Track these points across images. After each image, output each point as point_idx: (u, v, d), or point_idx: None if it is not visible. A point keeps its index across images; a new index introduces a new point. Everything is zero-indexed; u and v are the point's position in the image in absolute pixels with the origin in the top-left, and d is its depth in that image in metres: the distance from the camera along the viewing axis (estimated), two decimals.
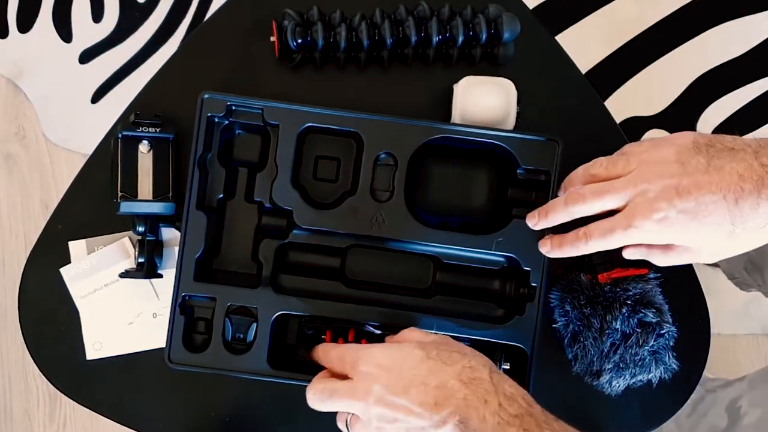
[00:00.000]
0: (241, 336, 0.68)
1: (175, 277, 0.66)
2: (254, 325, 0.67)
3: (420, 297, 0.71)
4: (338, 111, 0.67)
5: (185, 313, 0.67)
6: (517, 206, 0.69)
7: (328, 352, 0.59)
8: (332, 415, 0.75)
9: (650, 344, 0.65)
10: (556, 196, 0.64)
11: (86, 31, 1.42)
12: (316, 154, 0.71)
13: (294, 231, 0.69)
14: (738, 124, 1.40)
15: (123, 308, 0.73)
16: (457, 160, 0.72)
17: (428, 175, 0.72)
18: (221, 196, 0.70)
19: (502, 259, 0.69)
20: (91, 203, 0.74)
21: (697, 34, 1.40)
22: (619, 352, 0.65)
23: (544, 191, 0.67)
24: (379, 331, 0.68)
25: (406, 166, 0.67)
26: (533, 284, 0.66)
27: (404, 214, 0.67)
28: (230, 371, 0.66)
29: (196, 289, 0.67)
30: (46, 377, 0.73)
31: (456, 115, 0.71)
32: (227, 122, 0.69)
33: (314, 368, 0.69)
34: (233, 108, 0.68)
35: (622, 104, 1.39)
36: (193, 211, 0.67)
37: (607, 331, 0.64)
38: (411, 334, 0.59)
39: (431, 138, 0.67)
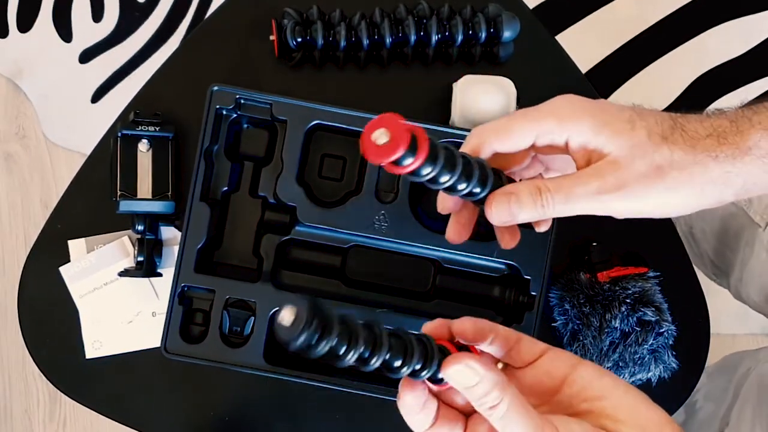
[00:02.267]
0: (238, 329, 0.68)
1: (176, 267, 0.67)
2: (252, 319, 0.67)
3: (419, 300, 0.71)
4: (347, 110, 0.67)
5: (183, 304, 0.67)
6: None
7: None
8: (331, 414, 0.75)
9: (649, 343, 0.65)
10: None
11: (86, 30, 1.42)
12: (322, 153, 0.71)
13: (296, 227, 0.69)
14: None
15: (122, 307, 0.73)
16: None
17: None
18: (226, 188, 0.70)
19: (502, 266, 0.69)
20: (90, 202, 0.74)
21: (697, 34, 1.40)
22: (618, 350, 0.65)
23: None
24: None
25: None
26: (533, 293, 0.66)
27: (407, 216, 0.67)
28: (226, 364, 0.66)
29: (195, 281, 0.67)
30: (45, 376, 0.73)
31: (455, 115, 0.71)
32: (235, 115, 0.69)
33: (310, 366, 0.69)
34: (242, 101, 0.68)
35: (621, 104, 1.39)
36: (196, 202, 0.67)
37: (606, 330, 0.64)
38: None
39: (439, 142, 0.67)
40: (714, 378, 0.86)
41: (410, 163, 0.39)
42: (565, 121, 0.43)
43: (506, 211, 0.43)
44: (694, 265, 0.75)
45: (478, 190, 0.43)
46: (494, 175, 0.44)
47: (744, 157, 0.41)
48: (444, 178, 0.41)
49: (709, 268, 0.94)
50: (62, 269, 0.73)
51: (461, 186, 0.42)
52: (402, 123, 0.38)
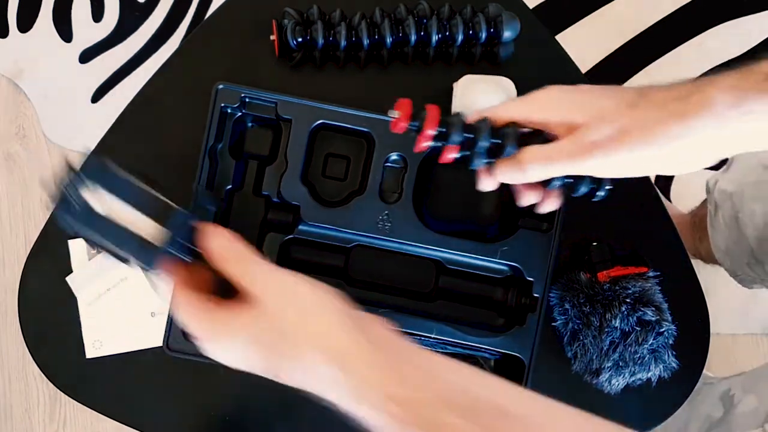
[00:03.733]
0: None
1: None
2: None
3: (421, 300, 0.71)
4: (352, 110, 0.67)
5: None
6: (524, 216, 0.69)
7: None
8: (330, 413, 0.74)
9: (649, 343, 0.65)
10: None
11: (86, 30, 1.42)
12: (326, 152, 0.71)
13: (299, 227, 0.69)
14: None
15: (123, 307, 0.73)
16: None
17: (438, 180, 0.71)
18: (229, 187, 0.70)
19: (505, 268, 0.69)
20: None
21: (697, 34, 1.41)
22: (618, 350, 0.65)
23: None
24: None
25: (416, 169, 0.67)
26: (535, 295, 0.66)
27: (411, 216, 0.67)
28: None
29: None
30: (45, 376, 0.73)
31: None
32: (240, 114, 0.69)
33: None
34: (247, 100, 0.68)
35: None
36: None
37: (606, 330, 0.64)
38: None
39: None
40: (753, 374, 0.86)
41: (424, 131, 0.53)
42: (544, 108, 0.51)
43: (492, 180, 0.54)
44: (717, 258, 0.75)
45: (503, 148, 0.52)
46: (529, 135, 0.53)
47: (706, 113, 0.44)
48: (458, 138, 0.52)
49: (744, 255, 0.93)
50: (69, 279, 0.73)
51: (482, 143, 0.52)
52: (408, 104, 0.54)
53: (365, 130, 0.67)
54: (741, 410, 0.81)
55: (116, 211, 0.43)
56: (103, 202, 0.43)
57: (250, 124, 0.71)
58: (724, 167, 0.97)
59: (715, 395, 0.86)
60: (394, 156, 0.68)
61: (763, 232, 0.87)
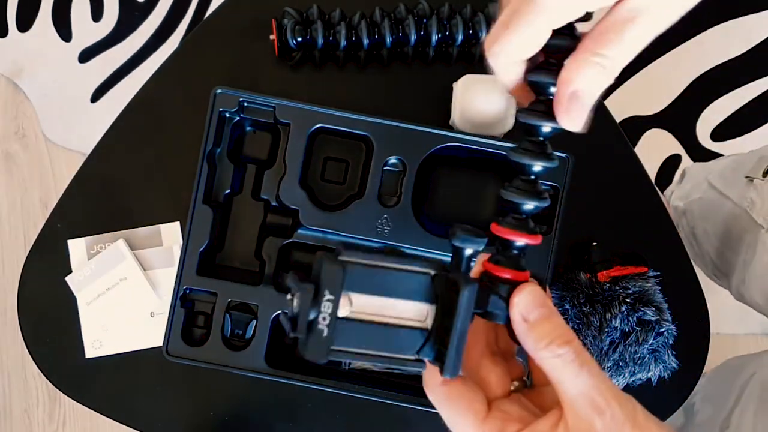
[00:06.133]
0: (240, 332, 0.68)
1: (178, 269, 0.67)
2: (254, 322, 0.67)
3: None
4: (350, 113, 0.67)
5: (185, 307, 0.67)
6: None
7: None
8: (331, 415, 0.75)
9: (649, 343, 0.65)
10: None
11: (86, 30, 1.42)
12: (324, 156, 0.71)
13: (298, 231, 0.69)
14: (737, 123, 1.40)
15: (122, 307, 0.73)
16: (466, 169, 0.71)
17: (437, 183, 0.71)
18: (228, 191, 0.70)
19: None
20: (90, 202, 0.74)
21: (697, 34, 1.40)
22: (618, 350, 0.65)
23: (551, 206, 0.67)
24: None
25: (414, 173, 0.67)
26: None
27: (410, 220, 0.67)
28: (227, 367, 0.66)
29: (197, 283, 0.67)
30: (45, 376, 0.73)
31: (455, 115, 0.71)
32: (238, 118, 0.69)
33: (312, 369, 0.69)
34: (245, 104, 0.68)
35: (622, 104, 1.39)
36: (199, 204, 0.67)
37: (606, 330, 0.64)
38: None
39: (442, 146, 0.67)
40: (713, 381, 0.86)
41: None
42: None
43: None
44: (694, 264, 0.76)
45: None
46: None
47: None
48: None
49: (710, 268, 0.94)
50: (68, 279, 0.73)
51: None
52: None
53: (364, 133, 0.67)
54: (698, 419, 0.80)
55: (374, 311, 0.34)
56: (353, 306, 0.33)
57: (248, 128, 0.71)
58: (677, 178, 0.97)
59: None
60: (392, 159, 0.67)
61: (720, 248, 0.87)
